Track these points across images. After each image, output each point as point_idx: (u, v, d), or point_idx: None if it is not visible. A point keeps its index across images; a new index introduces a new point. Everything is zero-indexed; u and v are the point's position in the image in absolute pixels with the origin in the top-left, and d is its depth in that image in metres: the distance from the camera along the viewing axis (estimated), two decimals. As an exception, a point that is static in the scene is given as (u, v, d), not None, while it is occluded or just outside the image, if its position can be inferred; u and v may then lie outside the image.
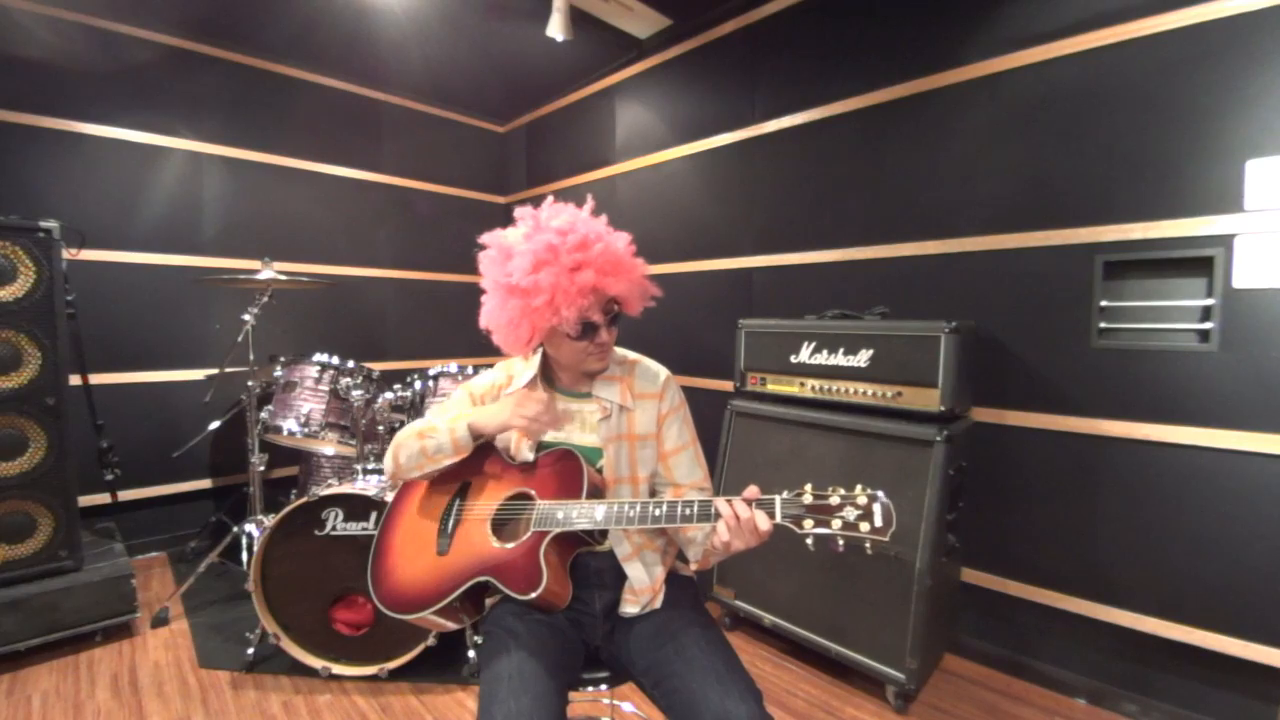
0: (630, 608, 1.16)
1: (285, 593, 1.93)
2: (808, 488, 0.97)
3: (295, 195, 3.32)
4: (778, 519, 0.97)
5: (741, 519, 0.97)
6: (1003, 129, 2.02)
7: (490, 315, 1.17)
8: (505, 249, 1.14)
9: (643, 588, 1.16)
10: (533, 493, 1.15)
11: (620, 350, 1.28)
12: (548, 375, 1.28)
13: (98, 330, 2.67)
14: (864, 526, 0.92)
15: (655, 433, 1.23)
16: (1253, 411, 1.62)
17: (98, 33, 2.72)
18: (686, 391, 1.31)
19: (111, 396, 2.75)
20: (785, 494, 0.98)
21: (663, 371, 1.27)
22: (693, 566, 1.19)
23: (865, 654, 1.88)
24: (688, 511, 1.01)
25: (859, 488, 0.95)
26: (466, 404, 1.29)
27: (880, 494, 0.94)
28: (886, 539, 0.91)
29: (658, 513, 1.03)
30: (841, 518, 0.93)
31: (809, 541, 0.95)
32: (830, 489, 0.96)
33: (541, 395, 1.15)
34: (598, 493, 1.15)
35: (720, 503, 0.99)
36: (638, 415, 1.22)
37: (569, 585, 1.14)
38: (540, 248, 1.08)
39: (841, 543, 0.94)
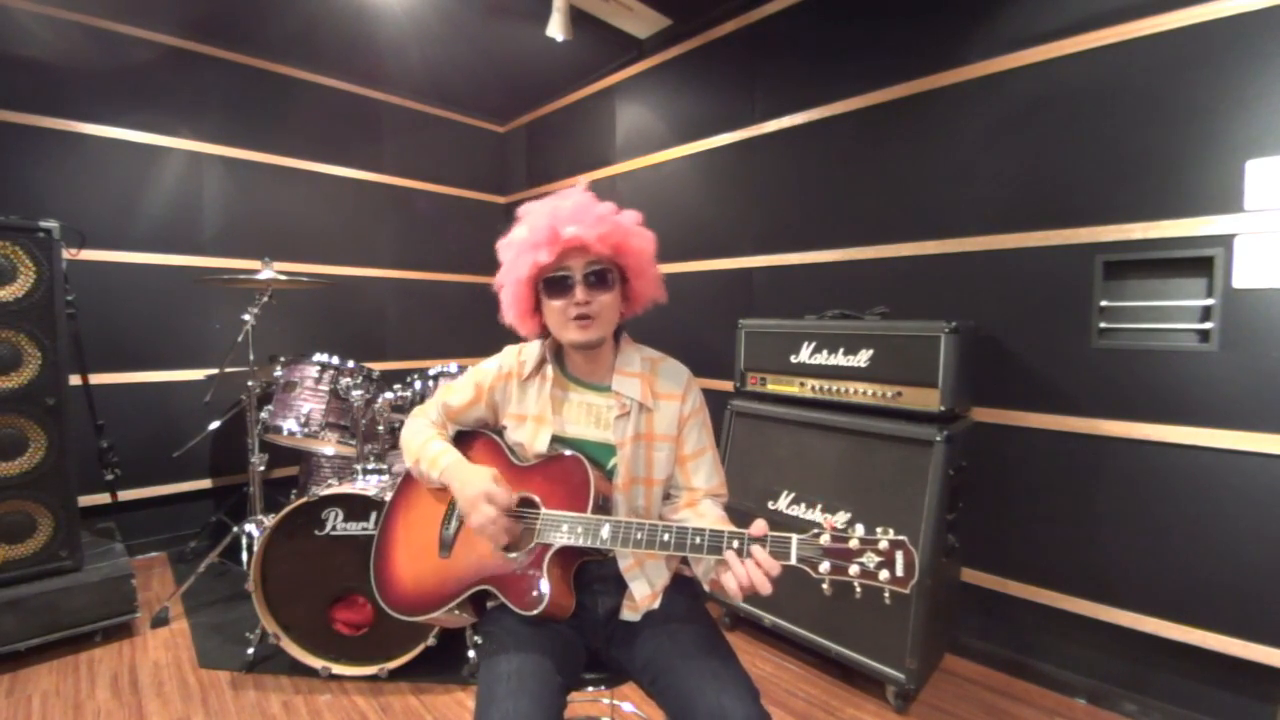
0: (631, 615, 1.15)
1: (285, 593, 1.93)
2: (827, 522, 0.92)
3: (295, 195, 3.32)
4: (792, 560, 0.91)
5: (756, 583, 0.91)
6: (1003, 129, 2.02)
7: (501, 277, 1.19)
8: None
9: (643, 598, 1.14)
10: (538, 499, 1.12)
11: (645, 348, 1.26)
12: (561, 364, 1.25)
13: (98, 330, 2.67)
14: (883, 575, 0.85)
15: (675, 435, 1.20)
16: (1253, 411, 1.62)
17: (98, 33, 2.72)
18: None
19: (111, 396, 2.75)
20: (801, 534, 0.91)
21: (685, 371, 1.25)
22: (705, 586, 1.14)
23: (865, 654, 1.88)
24: (698, 541, 0.97)
25: (880, 530, 0.88)
26: (470, 392, 1.26)
27: (905, 540, 0.86)
28: (907, 590, 0.85)
29: (666, 538, 0.99)
30: (860, 564, 0.87)
31: (824, 586, 0.89)
32: (850, 530, 0.89)
33: (494, 515, 1.05)
34: (605, 503, 1.13)
35: (733, 559, 0.93)
36: (658, 415, 1.19)
37: (572, 597, 1.12)
38: (540, 206, 1.14)
39: (860, 589, 0.88)
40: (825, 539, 0.90)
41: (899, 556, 0.86)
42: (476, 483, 1.08)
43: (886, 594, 0.86)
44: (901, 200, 2.27)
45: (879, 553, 0.87)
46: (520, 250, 1.12)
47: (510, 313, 1.20)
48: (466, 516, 1.09)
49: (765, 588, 0.90)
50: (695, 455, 1.21)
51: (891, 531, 0.88)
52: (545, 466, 1.16)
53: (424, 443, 1.22)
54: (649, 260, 1.19)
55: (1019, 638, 2.05)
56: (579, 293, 1.12)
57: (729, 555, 0.94)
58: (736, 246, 2.80)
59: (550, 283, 1.13)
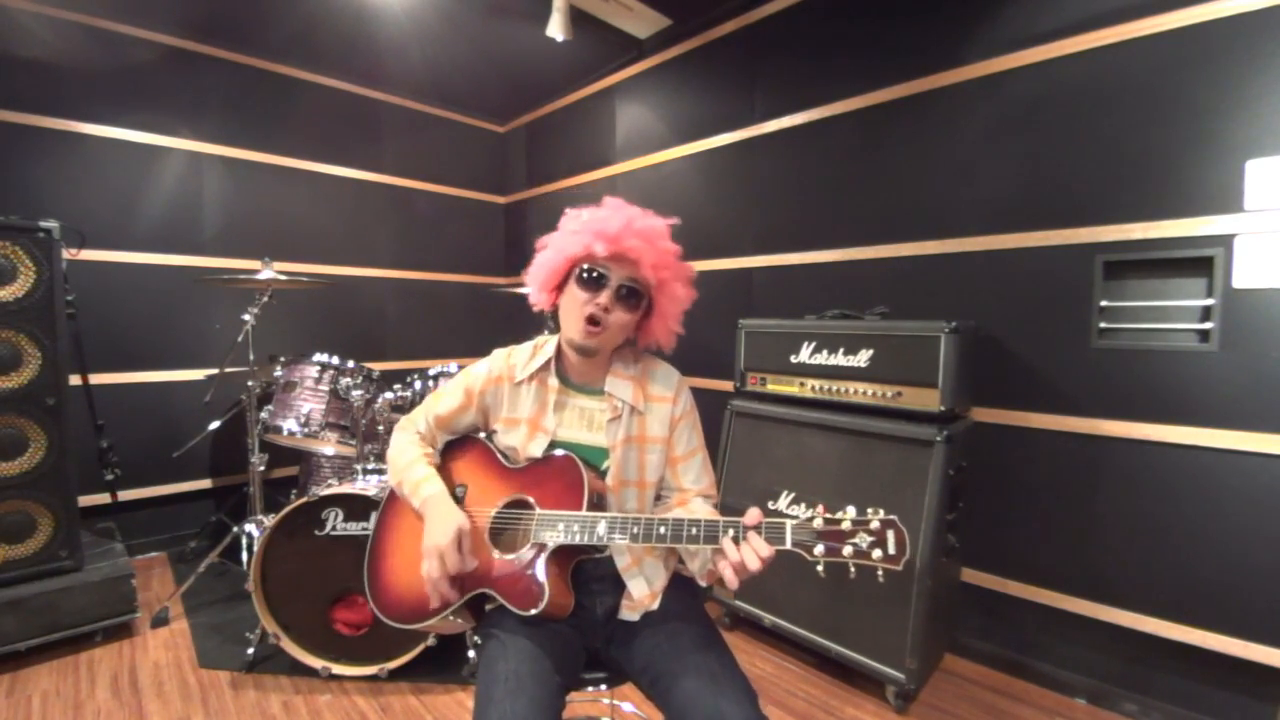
0: (629, 615, 1.15)
1: (285, 593, 1.93)
2: (820, 509, 0.93)
3: (295, 195, 3.32)
4: (787, 545, 0.93)
5: (750, 569, 0.93)
6: (1003, 129, 2.02)
7: (541, 250, 1.21)
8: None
9: (642, 597, 1.15)
10: (531, 500, 1.12)
11: (639, 351, 1.27)
12: (559, 369, 1.24)
13: (98, 330, 2.67)
14: (876, 554, 0.88)
15: (666, 437, 1.21)
16: (1253, 411, 1.61)
17: (98, 33, 2.72)
18: (686, 391, 1.30)
19: (111, 396, 2.75)
20: (796, 519, 0.94)
21: (676, 374, 1.26)
22: (700, 581, 1.15)
23: (865, 654, 1.88)
24: (694, 531, 0.98)
25: (871, 511, 0.90)
26: (460, 397, 1.24)
27: (895, 519, 0.89)
28: (899, 567, 0.87)
29: (663, 531, 1.00)
30: (853, 544, 0.89)
31: (819, 568, 0.91)
32: (842, 512, 0.91)
33: (439, 575, 1.06)
34: (600, 500, 1.13)
35: (728, 545, 0.95)
36: (650, 418, 1.20)
37: (571, 596, 1.12)
38: (623, 205, 1.18)
39: (854, 570, 0.90)
40: (818, 523, 0.92)
41: (890, 535, 0.89)
42: (442, 532, 1.06)
43: (880, 573, 0.89)
44: (901, 200, 2.27)
45: (871, 533, 0.89)
46: (583, 229, 1.14)
47: (538, 275, 1.20)
48: (423, 557, 1.08)
49: (755, 564, 0.93)
50: (686, 456, 1.22)
51: (882, 512, 0.90)
52: (538, 467, 1.16)
53: (409, 464, 1.20)
54: (678, 309, 1.22)
55: (1019, 638, 2.05)
56: (604, 296, 1.13)
57: (725, 542, 0.95)
58: (736, 246, 2.80)
59: (586, 273, 1.14)
